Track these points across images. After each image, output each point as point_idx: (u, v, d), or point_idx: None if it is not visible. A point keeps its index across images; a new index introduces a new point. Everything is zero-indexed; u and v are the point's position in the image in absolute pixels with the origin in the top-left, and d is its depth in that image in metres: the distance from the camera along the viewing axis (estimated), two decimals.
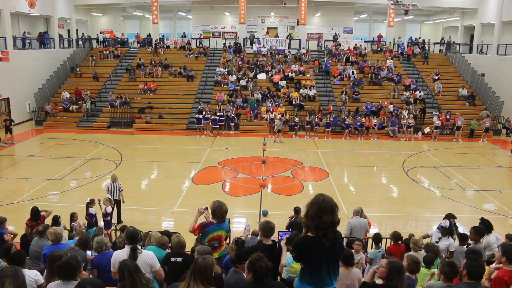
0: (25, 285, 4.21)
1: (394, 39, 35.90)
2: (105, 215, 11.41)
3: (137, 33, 39.37)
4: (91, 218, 11.07)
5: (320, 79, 30.82)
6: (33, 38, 31.11)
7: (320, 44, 35.03)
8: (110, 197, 12.23)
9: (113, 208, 11.81)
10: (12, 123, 23.85)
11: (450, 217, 8.77)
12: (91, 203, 11.23)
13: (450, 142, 24.49)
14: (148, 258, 5.53)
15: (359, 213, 9.58)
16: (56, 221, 9.32)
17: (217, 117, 25.44)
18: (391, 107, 26.90)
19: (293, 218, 10.12)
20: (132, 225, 6.30)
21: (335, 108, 27.43)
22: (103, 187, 14.26)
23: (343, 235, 9.15)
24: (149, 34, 36.90)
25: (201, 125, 25.35)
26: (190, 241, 6.65)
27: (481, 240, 7.75)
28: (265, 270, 4.03)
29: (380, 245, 8.32)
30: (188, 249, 6.43)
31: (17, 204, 14.14)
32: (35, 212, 9.66)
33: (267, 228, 5.70)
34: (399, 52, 33.33)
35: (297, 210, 10.08)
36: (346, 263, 5.53)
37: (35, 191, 15.38)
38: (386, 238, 10.04)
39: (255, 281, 4.05)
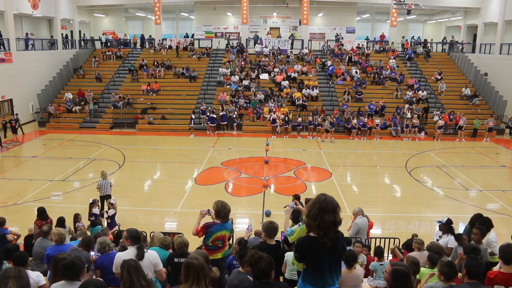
0: (29, 286, 4.20)
1: (403, 39, 35.82)
2: (107, 217, 11.45)
3: (142, 34, 39.41)
4: (95, 219, 11.12)
5: (323, 79, 30.80)
6: (37, 40, 31.17)
7: (324, 47, 34.81)
8: (103, 194, 13.03)
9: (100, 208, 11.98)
10: (18, 122, 23.95)
11: (478, 217, 8.19)
12: (94, 203, 11.29)
13: (453, 142, 24.43)
14: (152, 257, 5.56)
15: (361, 212, 9.65)
16: (61, 223, 9.33)
17: (214, 115, 25.66)
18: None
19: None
20: (135, 226, 6.31)
21: (338, 108, 27.37)
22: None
23: (349, 235, 9.17)
24: (143, 35, 37.16)
25: (192, 125, 25.53)
26: (192, 241, 6.65)
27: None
28: (260, 272, 4.00)
29: (382, 258, 8.27)
30: (192, 249, 6.43)
31: (21, 205, 14.18)
32: (42, 212, 9.67)
33: (271, 229, 5.70)
34: (406, 57, 33.12)
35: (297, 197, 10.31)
36: (348, 264, 5.51)
37: (39, 192, 15.43)
38: (390, 238, 10.05)
39: (259, 282, 4.03)
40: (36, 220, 9.59)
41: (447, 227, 7.92)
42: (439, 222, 7.97)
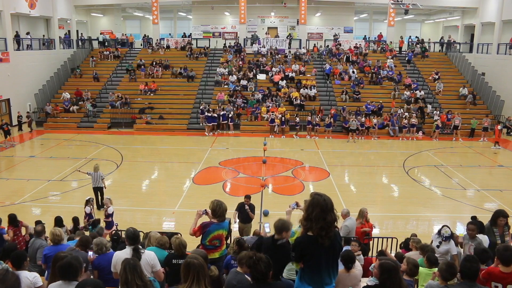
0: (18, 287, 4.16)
1: (402, 39, 35.94)
2: (107, 216, 11.44)
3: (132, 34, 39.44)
4: (90, 217, 11.10)
5: (321, 79, 30.82)
6: (34, 39, 31.07)
7: (324, 53, 34.50)
8: (94, 186, 13.78)
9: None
10: (9, 126, 23.77)
11: (500, 214, 7.64)
12: (88, 202, 11.32)
13: (450, 142, 24.48)
14: (150, 258, 5.55)
15: (349, 213, 9.75)
16: (59, 222, 9.28)
17: (215, 115, 25.68)
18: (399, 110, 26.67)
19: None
20: (133, 225, 6.30)
21: (337, 108, 27.37)
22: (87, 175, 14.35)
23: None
24: (145, 35, 37.22)
25: (210, 124, 25.67)
26: (190, 242, 6.64)
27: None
28: (259, 274, 3.99)
29: None
30: (190, 249, 6.41)
31: (18, 205, 14.14)
32: (13, 218, 9.55)
33: (278, 227, 5.61)
34: (406, 60, 32.96)
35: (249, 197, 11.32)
36: (346, 267, 5.50)
37: (36, 192, 15.40)
38: (388, 238, 10.05)
39: (257, 282, 4.03)
40: (9, 227, 9.48)
41: (450, 237, 7.77)
42: (446, 238, 7.64)
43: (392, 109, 26.70)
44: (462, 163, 20.49)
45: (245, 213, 11.06)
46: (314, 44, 34.92)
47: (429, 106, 27.54)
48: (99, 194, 13.88)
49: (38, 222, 9.23)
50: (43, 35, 32.83)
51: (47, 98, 29.21)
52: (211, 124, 25.58)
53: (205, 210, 6.49)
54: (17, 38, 29.55)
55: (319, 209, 3.96)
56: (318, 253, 4.05)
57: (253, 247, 5.63)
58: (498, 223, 7.49)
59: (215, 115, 25.69)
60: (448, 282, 4.89)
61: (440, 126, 25.01)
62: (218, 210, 6.29)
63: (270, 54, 33.44)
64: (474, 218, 9.42)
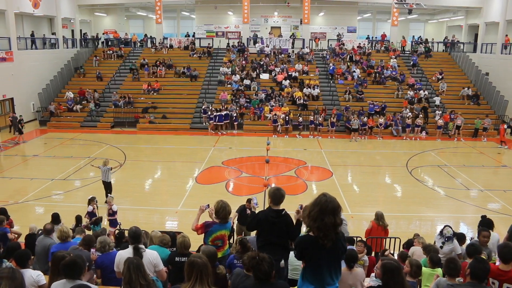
0: (23, 286, 4.16)
1: (404, 38, 35.91)
2: (111, 214, 11.47)
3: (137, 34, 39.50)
4: (92, 215, 11.14)
5: (324, 79, 30.78)
6: (38, 39, 31.17)
7: (327, 57, 34.27)
8: (102, 179, 14.15)
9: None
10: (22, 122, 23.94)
11: None
12: (91, 201, 11.36)
13: (453, 142, 24.41)
14: (152, 257, 5.55)
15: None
16: (56, 219, 9.28)
17: (222, 114, 25.70)
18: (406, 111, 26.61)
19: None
20: (136, 224, 6.31)
21: (339, 107, 27.35)
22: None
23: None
24: (150, 35, 37.32)
25: (222, 123, 25.77)
26: (194, 241, 6.64)
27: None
28: (262, 274, 3.99)
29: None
30: (193, 249, 6.41)
31: (22, 204, 14.20)
32: (3, 212, 9.59)
33: (277, 195, 5.50)
34: (411, 64, 32.31)
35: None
36: (348, 266, 5.50)
37: (40, 191, 15.44)
38: (390, 238, 10.03)
39: (260, 282, 4.02)
40: None
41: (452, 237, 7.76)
42: (449, 238, 7.61)
43: (403, 109, 26.57)
44: (466, 163, 20.43)
45: (245, 216, 11.10)
46: (316, 36, 34.98)
47: (437, 99, 27.66)
48: (106, 188, 14.18)
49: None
50: (44, 34, 32.93)
51: (50, 97, 29.29)
52: (222, 123, 25.64)
53: (208, 205, 6.48)
54: (32, 38, 29.82)
55: (318, 209, 3.93)
56: (319, 253, 4.02)
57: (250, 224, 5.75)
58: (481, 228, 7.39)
59: (222, 113, 25.70)
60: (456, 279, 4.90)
61: (441, 126, 24.93)
62: (221, 212, 6.29)
63: (273, 53, 33.42)
64: (484, 217, 9.35)
